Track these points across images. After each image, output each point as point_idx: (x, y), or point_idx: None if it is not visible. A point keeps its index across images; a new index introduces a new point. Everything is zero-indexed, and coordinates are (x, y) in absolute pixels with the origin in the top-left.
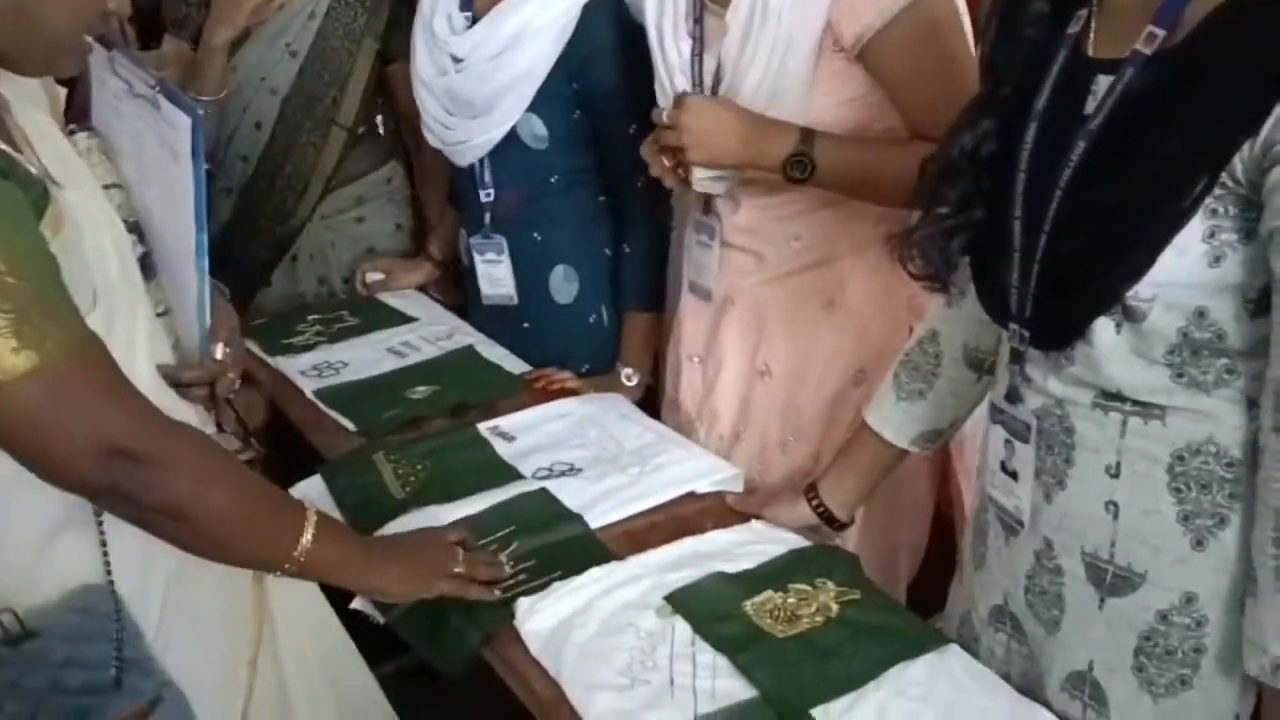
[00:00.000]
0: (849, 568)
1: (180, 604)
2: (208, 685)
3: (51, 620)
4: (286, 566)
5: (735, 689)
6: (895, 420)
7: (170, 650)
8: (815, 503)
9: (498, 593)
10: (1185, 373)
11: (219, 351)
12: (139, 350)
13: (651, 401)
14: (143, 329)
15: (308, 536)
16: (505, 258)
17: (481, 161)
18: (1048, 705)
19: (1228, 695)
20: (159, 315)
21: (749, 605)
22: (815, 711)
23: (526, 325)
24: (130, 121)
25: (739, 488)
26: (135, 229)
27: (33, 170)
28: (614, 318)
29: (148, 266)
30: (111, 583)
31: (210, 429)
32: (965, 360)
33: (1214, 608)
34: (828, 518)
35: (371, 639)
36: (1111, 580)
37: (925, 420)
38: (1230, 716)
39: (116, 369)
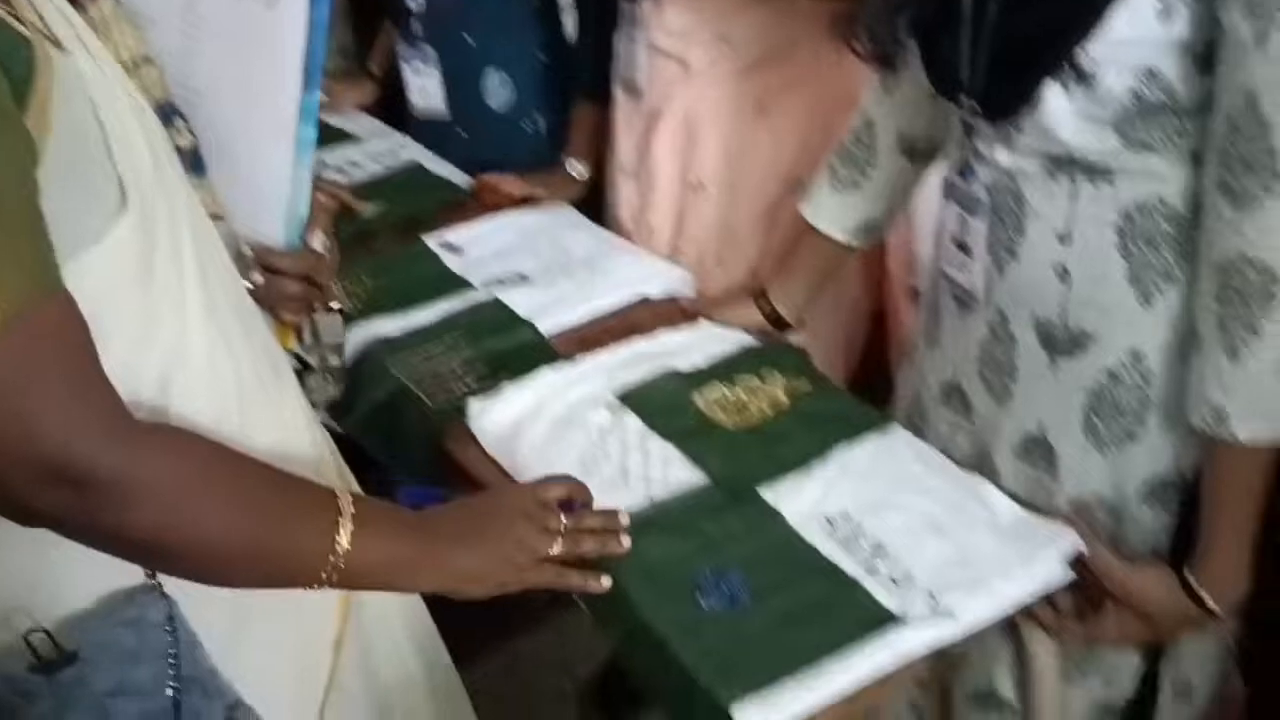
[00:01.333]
0: (796, 360)
1: (247, 595)
2: (286, 686)
3: (92, 636)
4: (323, 577)
5: (686, 475)
6: (831, 212)
7: (239, 655)
8: (762, 303)
9: (606, 581)
10: (1135, 135)
11: (318, 242)
12: (187, 269)
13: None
14: (188, 239)
15: (344, 539)
16: (434, 69)
17: None
18: (994, 477)
19: (1170, 447)
20: (215, 218)
21: (699, 399)
22: (762, 490)
23: (463, 135)
24: None
25: (690, 291)
26: (173, 112)
27: (22, 30)
28: (550, 125)
29: (196, 161)
30: (157, 581)
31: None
32: (900, 148)
33: (1159, 363)
34: (776, 320)
35: None
36: (1063, 343)
37: (861, 211)
38: (1172, 468)
39: (86, 347)
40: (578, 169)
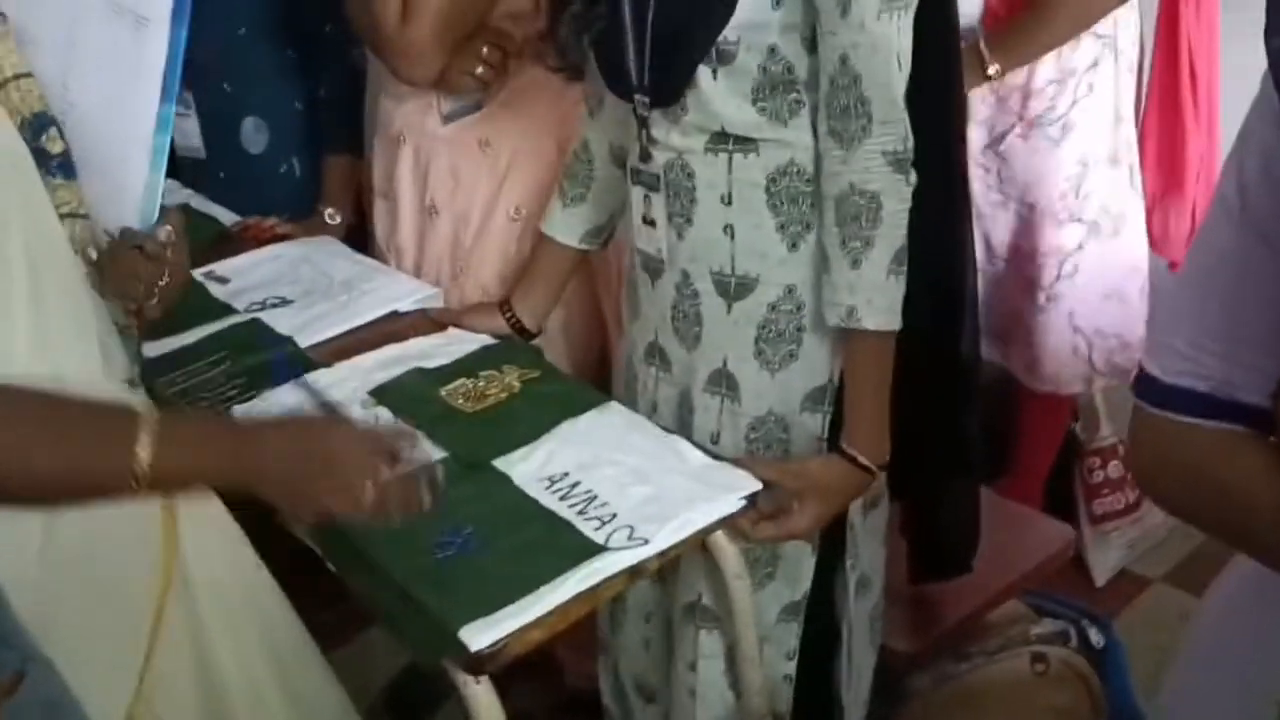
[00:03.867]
0: (530, 354)
1: (64, 556)
2: (100, 645)
3: None
4: (132, 486)
5: (430, 455)
6: (564, 224)
7: (55, 611)
8: (508, 314)
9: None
10: (769, 106)
11: (163, 234)
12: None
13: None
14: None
15: (144, 454)
16: (192, 112)
17: None
18: (693, 414)
19: (823, 358)
20: (74, 216)
21: (443, 391)
22: (495, 462)
23: (221, 176)
24: None
25: (440, 304)
26: (48, 122)
27: None
28: (305, 168)
29: (67, 165)
30: None
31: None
32: (612, 159)
33: (807, 294)
34: (519, 328)
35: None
36: (735, 288)
37: (588, 219)
38: (826, 374)
39: None
40: (334, 217)
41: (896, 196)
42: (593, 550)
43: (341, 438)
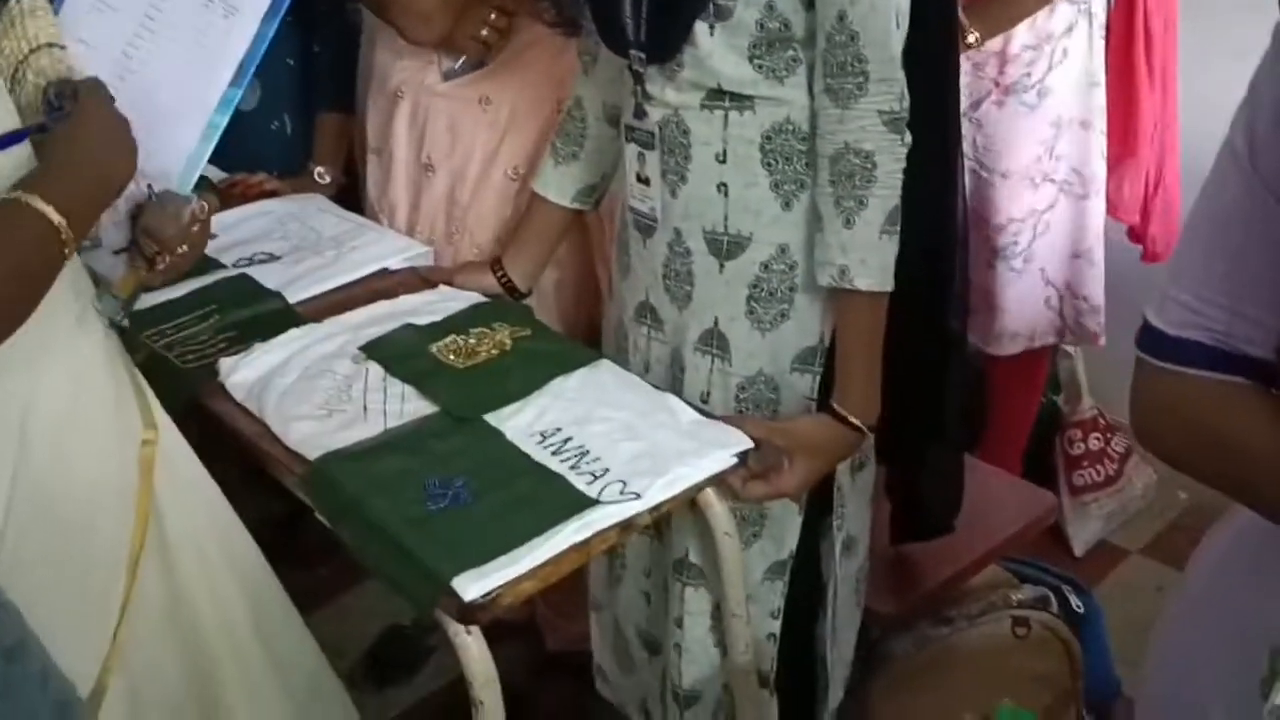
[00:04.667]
0: (521, 311)
1: (33, 510)
2: (72, 601)
3: None
4: (65, 250)
5: (419, 407)
6: (556, 183)
7: (24, 563)
8: (500, 274)
9: None
10: (765, 63)
11: (197, 207)
12: None
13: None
14: None
15: (55, 216)
16: None
17: None
18: (684, 373)
19: (814, 318)
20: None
21: (434, 347)
22: (487, 416)
23: None
24: None
25: (430, 262)
26: (59, 95)
27: None
28: (296, 125)
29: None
30: None
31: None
32: (605, 117)
33: (800, 253)
34: (510, 288)
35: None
36: (727, 247)
37: (580, 178)
38: (815, 338)
39: None
40: (324, 175)
41: (891, 156)
42: (585, 503)
43: (101, 105)
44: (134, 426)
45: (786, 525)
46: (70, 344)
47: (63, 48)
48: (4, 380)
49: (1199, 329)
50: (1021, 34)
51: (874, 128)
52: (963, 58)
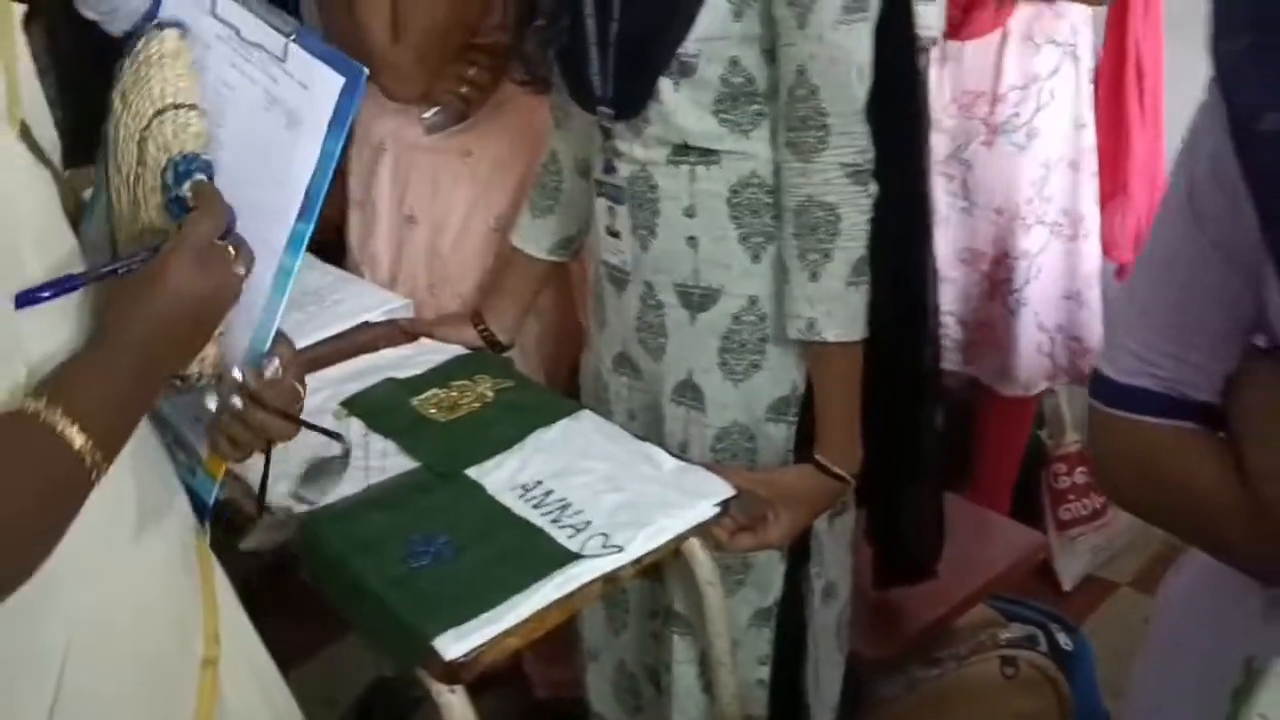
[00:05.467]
0: (503, 364)
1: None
2: None
3: None
4: (92, 475)
5: (401, 464)
6: (534, 235)
7: None
8: (480, 327)
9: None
10: (730, 118)
11: (269, 368)
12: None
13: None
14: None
15: (76, 439)
16: None
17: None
18: (663, 423)
19: (787, 368)
20: None
21: (415, 401)
22: (468, 471)
23: None
24: (218, 70)
25: (411, 314)
26: (200, 168)
27: None
28: None
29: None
30: None
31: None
32: (578, 170)
33: (770, 305)
34: (491, 340)
35: None
36: (698, 299)
37: (557, 230)
38: (788, 387)
39: None
40: None
41: (855, 208)
42: (567, 558)
43: (179, 272)
44: (195, 646)
45: (770, 572)
46: (123, 562)
47: (191, 108)
48: (35, 610)
49: (1147, 376)
50: (1010, 74)
51: (837, 180)
52: (949, 100)
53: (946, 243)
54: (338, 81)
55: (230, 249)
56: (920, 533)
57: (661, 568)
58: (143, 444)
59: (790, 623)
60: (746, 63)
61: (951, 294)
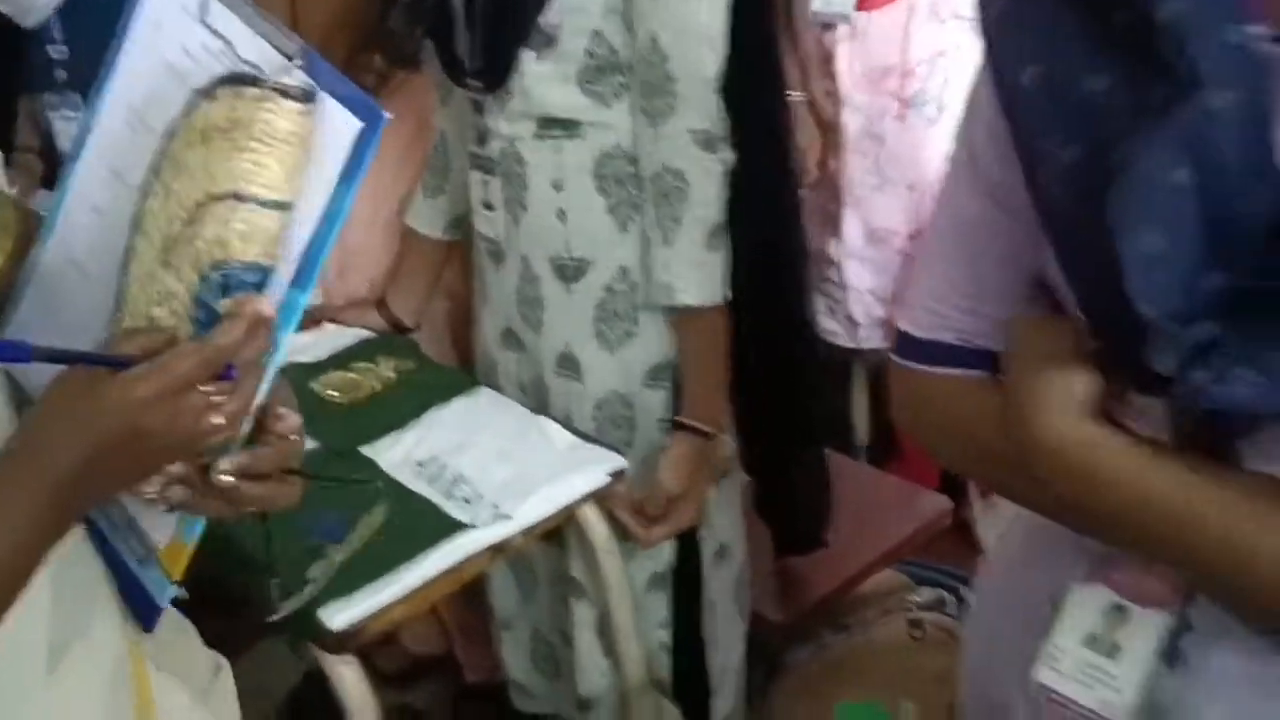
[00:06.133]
0: (406, 345)
1: None
2: None
3: None
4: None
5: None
6: (427, 215)
7: None
8: (384, 310)
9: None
10: (594, 89)
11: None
12: None
13: None
14: None
15: None
16: (82, 113)
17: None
18: (548, 394)
19: (659, 335)
20: None
21: (315, 384)
22: (363, 449)
23: None
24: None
25: (318, 301)
26: (242, 284)
27: None
28: None
29: None
30: None
31: None
32: (464, 148)
33: (640, 273)
34: (394, 323)
35: None
36: (571, 270)
37: (449, 209)
38: (663, 351)
39: None
40: None
41: (705, 174)
42: (456, 528)
43: (142, 406)
44: None
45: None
46: (34, 701)
47: (280, 207)
48: None
49: (941, 329)
50: (916, 47)
51: (686, 146)
52: (861, 77)
53: (861, 220)
54: (353, 125)
55: (219, 396)
56: (806, 502)
57: (563, 536)
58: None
59: (687, 586)
60: (610, 35)
61: (869, 271)
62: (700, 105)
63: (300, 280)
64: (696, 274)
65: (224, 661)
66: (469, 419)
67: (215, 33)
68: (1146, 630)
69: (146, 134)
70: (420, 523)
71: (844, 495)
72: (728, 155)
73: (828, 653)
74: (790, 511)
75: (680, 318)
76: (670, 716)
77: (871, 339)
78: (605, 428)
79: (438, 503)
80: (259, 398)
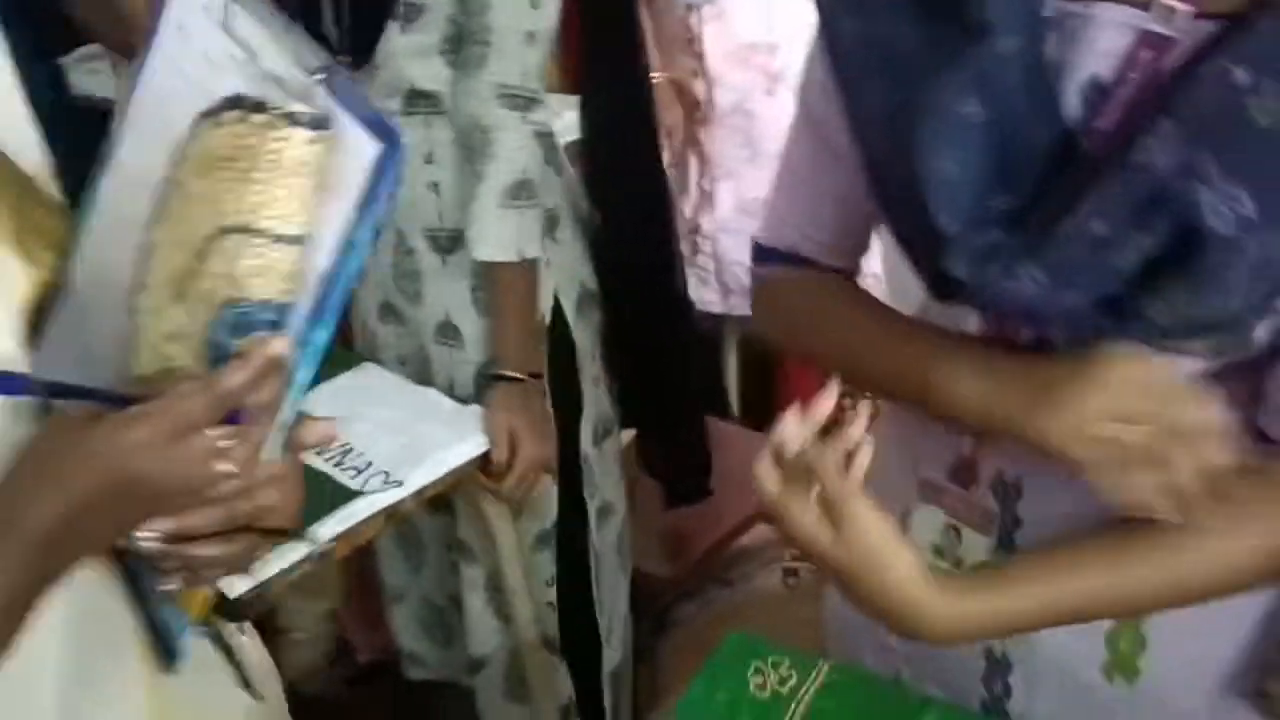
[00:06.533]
0: None
1: None
2: None
3: None
4: None
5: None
6: None
7: None
8: None
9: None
10: (457, 60)
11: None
12: None
13: None
14: None
15: None
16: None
17: None
18: (430, 364)
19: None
20: None
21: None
22: None
23: None
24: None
25: None
26: (258, 325)
27: None
28: None
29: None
30: None
31: None
32: None
33: None
34: None
35: None
36: (446, 242)
37: None
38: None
39: None
40: None
41: (510, 133)
42: (348, 496)
43: (139, 450)
44: None
45: (545, 497)
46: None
47: (297, 241)
48: None
49: (782, 243)
50: (780, 22)
51: (490, 101)
52: (733, 52)
53: (733, 193)
54: (371, 148)
55: (226, 441)
56: (691, 454)
57: (453, 503)
58: (79, 584)
59: (571, 544)
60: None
61: (741, 244)
62: (514, 60)
63: (319, 318)
64: (492, 230)
65: (254, 705)
66: (356, 394)
67: (238, 41)
68: (977, 548)
69: (166, 151)
70: (314, 491)
71: (722, 456)
72: (539, 118)
73: (712, 607)
74: (677, 465)
75: (486, 272)
76: (560, 672)
77: (742, 306)
78: (489, 390)
79: (329, 473)
80: (272, 448)
